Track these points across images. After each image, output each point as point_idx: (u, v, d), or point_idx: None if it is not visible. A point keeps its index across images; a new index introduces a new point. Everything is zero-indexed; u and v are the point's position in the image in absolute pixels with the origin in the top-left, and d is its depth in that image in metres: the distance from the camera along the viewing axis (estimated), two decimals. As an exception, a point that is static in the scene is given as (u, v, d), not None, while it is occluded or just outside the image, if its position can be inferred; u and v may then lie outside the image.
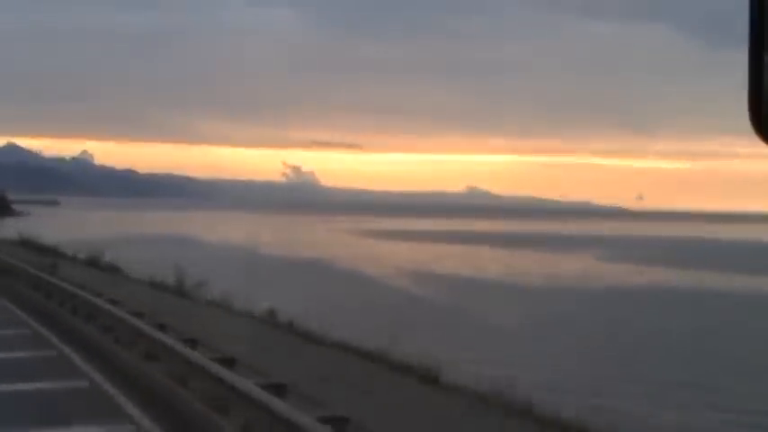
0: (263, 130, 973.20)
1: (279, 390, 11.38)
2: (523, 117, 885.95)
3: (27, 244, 55.77)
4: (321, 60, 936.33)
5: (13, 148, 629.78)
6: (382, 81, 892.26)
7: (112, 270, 40.64)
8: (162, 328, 17.02)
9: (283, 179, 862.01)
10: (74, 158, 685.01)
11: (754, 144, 2.46)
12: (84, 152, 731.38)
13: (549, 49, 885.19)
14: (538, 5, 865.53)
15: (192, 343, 15.27)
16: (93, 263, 43.10)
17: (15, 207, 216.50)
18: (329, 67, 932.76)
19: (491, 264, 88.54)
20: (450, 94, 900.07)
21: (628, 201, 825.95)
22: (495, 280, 69.90)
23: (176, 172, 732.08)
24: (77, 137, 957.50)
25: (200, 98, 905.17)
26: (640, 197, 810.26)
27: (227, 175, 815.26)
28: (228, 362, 13.39)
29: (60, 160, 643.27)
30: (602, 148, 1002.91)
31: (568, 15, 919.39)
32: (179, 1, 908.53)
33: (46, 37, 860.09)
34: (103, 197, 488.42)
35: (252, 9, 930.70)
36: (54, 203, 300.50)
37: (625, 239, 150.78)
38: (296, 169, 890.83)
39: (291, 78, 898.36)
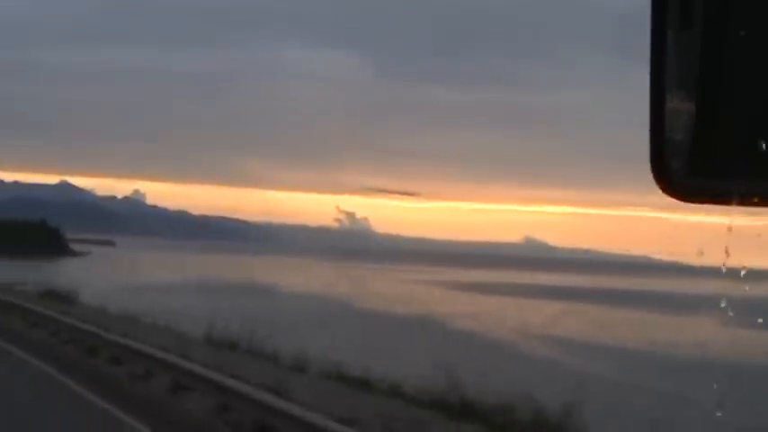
0: (318, 175, 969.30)
1: None
2: (583, 168, 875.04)
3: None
4: (379, 105, 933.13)
5: (66, 187, 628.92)
6: (441, 128, 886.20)
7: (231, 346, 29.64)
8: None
9: (337, 225, 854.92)
10: (126, 198, 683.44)
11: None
12: (137, 192, 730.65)
13: (611, 98, 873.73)
14: (600, 52, 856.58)
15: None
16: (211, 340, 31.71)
17: (74, 247, 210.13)
18: (387, 112, 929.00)
19: (615, 327, 78.73)
20: (508, 143, 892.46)
21: (688, 256, 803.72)
22: (645, 350, 60.11)
23: (229, 214, 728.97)
24: (130, 176, 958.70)
25: (255, 141, 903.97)
26: (701, 253, 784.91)
27: (280, 219, 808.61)
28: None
29: (112, 199, 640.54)
30: (662, 202, 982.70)
31: (631, 62, 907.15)
32: (238, 42, 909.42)
33: (101, 76, 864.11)
34: (155, 238, 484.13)
35: (310, 52, 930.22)
36: (110, 244, 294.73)
37: (715, 298, 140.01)
38: (350, 215, 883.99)
39: (348, 123, 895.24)
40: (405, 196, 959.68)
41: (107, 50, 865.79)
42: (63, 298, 46.05)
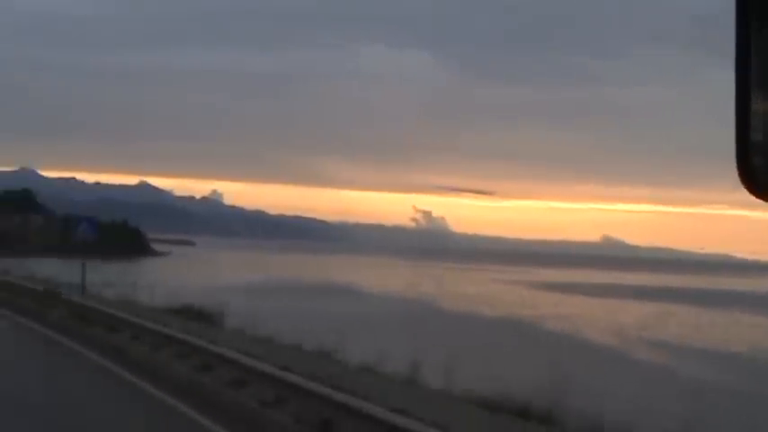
0: (394, 175, 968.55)
1: None
2: (661, 165, 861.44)
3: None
4: (454, 104, 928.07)
5: (145, 187, 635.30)
6: (516, 126, 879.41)
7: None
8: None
9: (413, 224, 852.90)
10: (204, 198, 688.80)
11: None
12: (214, 192, 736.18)
13: (688, 94, 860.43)
14: (674, 46, 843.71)
15: None
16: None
17: (155, 246, 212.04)
18: (463, 111, 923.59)
19: (711, 329, 76.39)
20: (584, 141, 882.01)
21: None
22: (750, 354, 57.72)
23: (305, 214, 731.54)
24: (207, 177, 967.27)
25: (331, 141, 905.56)
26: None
27: (356, 218, 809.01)
28: None
29: (190, 199, 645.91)
30: (743, 200, 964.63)
31: (707, 57, 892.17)
32: (313, 42, 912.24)
33: (178, 78, 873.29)
34: (233, 237, 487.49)
35: (385, 51, 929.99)
36: (190, 243, 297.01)
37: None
38: (426, 214, 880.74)
39: (424, 122, 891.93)
40: (481, 195, 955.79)
41: (184, 52, 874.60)
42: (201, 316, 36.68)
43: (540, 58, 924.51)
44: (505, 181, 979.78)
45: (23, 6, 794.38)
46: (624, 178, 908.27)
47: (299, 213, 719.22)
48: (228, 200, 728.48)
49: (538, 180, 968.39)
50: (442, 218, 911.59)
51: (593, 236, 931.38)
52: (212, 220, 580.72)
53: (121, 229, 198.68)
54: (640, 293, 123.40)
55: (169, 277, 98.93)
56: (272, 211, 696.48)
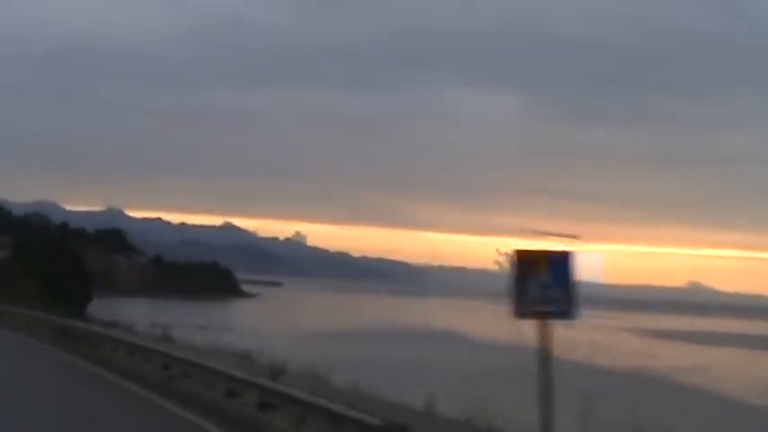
0: (478, 217, 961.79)
1: None
2: (753, 211, 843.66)
3: None
4: (539, 147, 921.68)
5: (229, 228, 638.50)
6: (601, 169, 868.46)
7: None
8: None
9: (496, 267, 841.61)
10: (287, 239, 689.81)
11: None
12: (298, 233, 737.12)
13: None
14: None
15: None
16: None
17: (244, 287, 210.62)
18: (548, 153, 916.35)
19: None
20: (672, 184, 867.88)
21: None
22: None
23: (388, 256, 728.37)
24: (291, 218, 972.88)
25: (416, 183, 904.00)
26: None
27: (439, 261, 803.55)
28: None
29: (274, 240, 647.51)
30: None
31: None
32: (398, 85, 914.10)
33: (263, 118, 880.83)
34: (316, 279, 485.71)
35: (470, 94, 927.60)
36: (277, 284, 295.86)
37: None
38: (510, 258, 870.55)
39: (508, 165, 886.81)
40: (564, 239, 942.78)
41: (270, 94, 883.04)
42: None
43: (629, 101, 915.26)
44: (590, 224, 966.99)
45: (115, 45, 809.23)
46: (713, 223, 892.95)
47: (382, 255, 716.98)
48: (312, 241, 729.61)
49: (624, 223, 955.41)
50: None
51: (679, 281, 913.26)
52: (296, 261, 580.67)
53: (212, 270, 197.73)
54: (755, 343, 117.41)
55: (265, 322, 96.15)
56: (356, 253, 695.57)
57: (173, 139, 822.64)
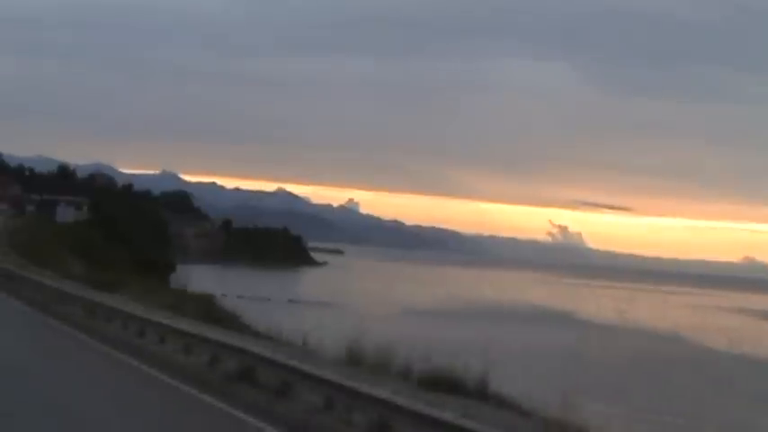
0: (531, 188, 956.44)
1: None
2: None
3: None
4: (594, 119, 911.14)
5: (283, 194, 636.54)
6: (657, 142, 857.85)
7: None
8: None
9: (548, 238, 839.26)
10: (341, 206, 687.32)
11: None
12: (351, 201, 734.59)
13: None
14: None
15: None
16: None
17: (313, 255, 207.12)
18: (603, 125, 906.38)
19: None
20: (726, 158, 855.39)
21: None
22: None
23: (441, 225, 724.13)
24: (344, 185, 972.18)
25: (467, 153, 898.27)
26: None
27: (490, 230, 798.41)
28: None
29: (328, 207, 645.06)
30: None
31: None
32: (453, 53, 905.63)
33: (318, 86, 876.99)
34: (370, 246, 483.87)
35: (526, 64, 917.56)
36: (339, 252, 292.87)
37: None
38: (563, 229, 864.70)
39: (563, 136, 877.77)
40: (617, 211, 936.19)
41: (323, 61, 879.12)
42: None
43: (686, 73, 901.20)
44: (643, 197, 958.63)
45: (172, 8, 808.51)
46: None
47: (434, 224, 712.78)
48: (365, 209, 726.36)
49: (678, 197, 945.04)
50: (578, 233, 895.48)
51: (733, 256, 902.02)
52: (349, 228, 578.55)
53: (283, 236, 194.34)
54: None
55: (354, 297, 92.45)
56: (408, 221, 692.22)
57: (227, 104, 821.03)
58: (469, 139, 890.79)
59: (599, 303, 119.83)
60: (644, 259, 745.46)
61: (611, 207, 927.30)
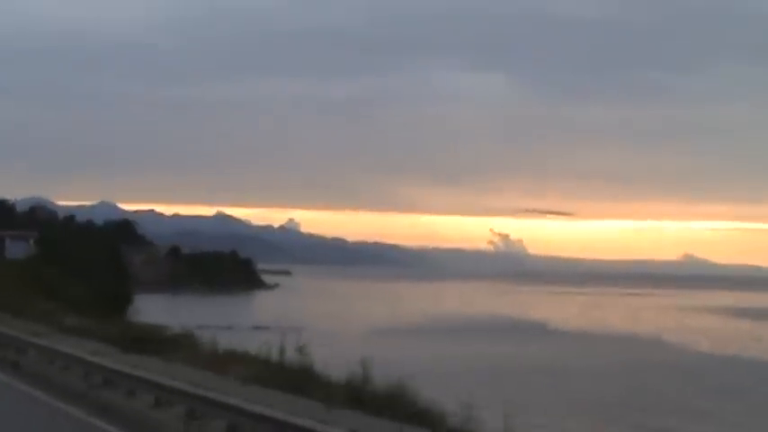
0: (471, 198, 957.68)
1: None
2: (746, 182, 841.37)
3: None
4: (531, 126, 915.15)
5: (222, 218, 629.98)
6: (595, 146, 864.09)
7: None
8: None
9: (490, 247, 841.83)
10: (281, 227, 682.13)
11: None
12: (291, 221, 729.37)
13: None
14: (757, 65, 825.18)
15: None
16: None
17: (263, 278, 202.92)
18: (540, 132, 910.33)
19: None
20: (666, 159, 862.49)
21: None
22: None
23: (384, 240, 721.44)
24: (283, 206, 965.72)
25: (406, 166, 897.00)
26: None
27: (434, 243, 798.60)
28: None
29: (268, 229, 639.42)
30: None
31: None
32: (387, 68, 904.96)
33: (251, 107, 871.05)
34: (315, 265, 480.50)
35: (460, 75, 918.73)
36: (287, 273, 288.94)
37: None
38: (504, 237, 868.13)
39: (500, 145, 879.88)
40: (558, 216, 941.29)
41: (258, 80, 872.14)
42: None
43: (618, 77, 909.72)
44: (584, 201, 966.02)
45: (99, 37, 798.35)
46: (704, 196, 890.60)
47: (377, 240, 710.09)
48: (306, 228, 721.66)
49: (619, 199, 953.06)
50: (520, 240, 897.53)
51: (673, 255, 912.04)
52: (292, 248, 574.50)
53: (231, 260, 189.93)
54: None
55: (318, 319, 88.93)
56: (350, 238, 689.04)
57: (161, 130, 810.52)
58: (408, 152, 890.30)
59: (566, 311, 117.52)
60: (587, 262, 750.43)
61: (552, 212, 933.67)
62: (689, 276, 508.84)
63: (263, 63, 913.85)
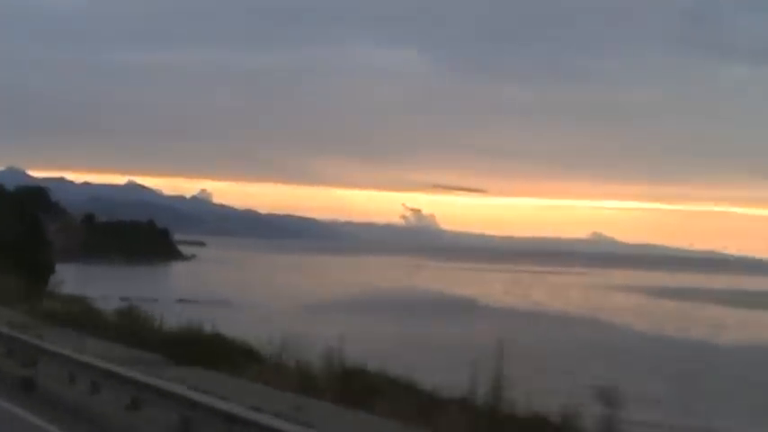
0: (384, 173, 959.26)
1: None
2: (653, 163, 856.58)
3: None
4: (446, 102, 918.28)
5: (133, 187, 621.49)
6: (508, 124, 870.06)
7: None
8: None
9: (402, 222, 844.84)
10: (193, 197, 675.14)
11: None
12: (203, 191, 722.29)
13: (679, 93, 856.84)
14: (670, 48, 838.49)
15: None
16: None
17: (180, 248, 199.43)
18: (454, 109, 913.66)
19: None
20: (578, 139, 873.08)
21: (759, 251, 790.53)
22: None
23: (295, 213, 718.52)
24: (196, 176, 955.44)
25: (320, 139, 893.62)
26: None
27: (346, 216, 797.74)
28: None
29: (180, 199, 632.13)
30: (734, 196, 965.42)
31: (700, 58, 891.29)
32: (301, 41, 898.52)
33: (165, 76, 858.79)
34: (226, 236, 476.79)
35: (377, 49, 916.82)
36: (201, 244, 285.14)
37: None
38: (416, 212, 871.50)
39: (414, 120, 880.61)
40: (471, 192, 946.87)
41: (174, 50, 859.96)
42: None
43: (530, 56, 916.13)
44: (496, 178, 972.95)
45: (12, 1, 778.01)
46: (613, 176, 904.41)
47: (289, 212, 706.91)
48: (218, 199, 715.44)
49: (529, 178, 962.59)
50: (432, 215, 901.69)
51: (582, 233, 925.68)
52: (203, 219, 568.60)
53: (149, 230, 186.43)
54: (692, 295, 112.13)
55: (250, 293, 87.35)
56: (263, 210, 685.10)
57: (72, 96, 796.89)
58: (322, 125, 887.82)
59: (491, 288, 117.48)
60: (497, 239, 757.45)
61: (465, 189, 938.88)
62: (597, 254, 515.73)
63: (178, 32, 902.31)
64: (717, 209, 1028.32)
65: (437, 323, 61.10)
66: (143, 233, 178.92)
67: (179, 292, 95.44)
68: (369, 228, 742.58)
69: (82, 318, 31.30)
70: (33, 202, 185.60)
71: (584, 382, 35.85)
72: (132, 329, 27.40)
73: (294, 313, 67.68)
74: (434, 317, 68.27)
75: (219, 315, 59.65)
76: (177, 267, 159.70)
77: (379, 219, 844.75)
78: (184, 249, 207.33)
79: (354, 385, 17.90)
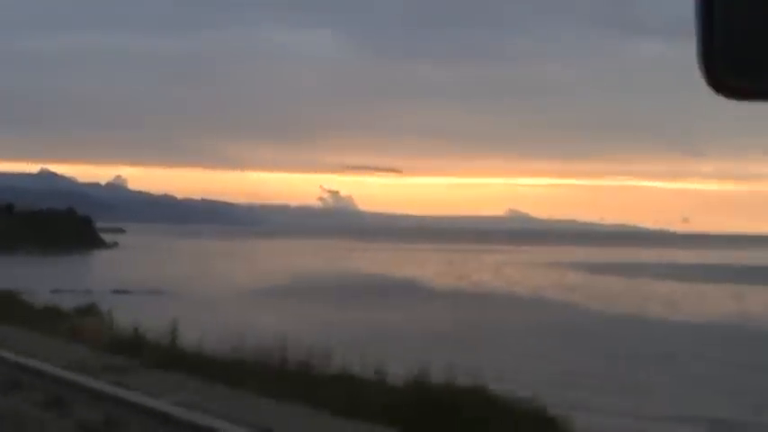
0: (301, 155, 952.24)
1: None
2: (566, 140, 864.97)
3: None
4: (360, 83, 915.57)
5: (47, 175, 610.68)
6: (422, 104, 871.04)
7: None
8: None
9: (320, 204, 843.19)
10: (109, 184, 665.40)
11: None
12: (118, 177, 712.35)
13: (592, 70, 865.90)
14: (582, 25, 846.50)
15: None
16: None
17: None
18: (368, 90, 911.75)
19: None
20: (491, 117, 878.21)
21: (673, 223, 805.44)
22: None
23: (213, 197, 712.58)
24: (110, 162, 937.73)
25: (235, 123, 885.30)
26: (686, 219, 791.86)
27: (263, 200, 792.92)
28: None
29: (95, 186, 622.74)
30: (647, 170, 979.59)
31: (612, 35, 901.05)
32: (216, 24, 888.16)
33: (76, 62, 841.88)
34: (145, 223, 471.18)
35: (289, 31, 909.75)
36: (121, 231, 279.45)
37: None
38: (334, 194, 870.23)
39: (329, 103, 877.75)
40: (387, 173, 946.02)
41: (85, 35, 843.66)
42: None
43: (441, 35, 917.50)
44: (412, 158, 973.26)
45: None
46: (526, 153, 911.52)
47: (206, 197, 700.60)
48: (133, 185, 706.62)
49: (445, 156, 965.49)
50: (349, 197, 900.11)
51: (498, 210, 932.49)
52: (119, 205, 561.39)
53: (70, 218, 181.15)
54: (632, 270, 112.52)
55: (182, 282, 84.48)
56: (180, 196, 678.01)
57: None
58: (237, 109, 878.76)
59: (426, 268, 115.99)
60: (415, 218, 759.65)
61: (381, 170, 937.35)
62: (515, 231, 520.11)
63: (91, 15, 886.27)
64: (628, 183, 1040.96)
65: (384, 308, 59.28)
66: (63, 222, 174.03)
67: (110, 282, 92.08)
68: (286, 210, 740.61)
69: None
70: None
71: (565, 369, 34.27)
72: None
73: (237, 302, 65.18)
74: (380, 300, 66.42)
75: (159, 305, 57.39)
76: (101, 256, 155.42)
77: (297, 201, 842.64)
78: (106, 237, 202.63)
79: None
